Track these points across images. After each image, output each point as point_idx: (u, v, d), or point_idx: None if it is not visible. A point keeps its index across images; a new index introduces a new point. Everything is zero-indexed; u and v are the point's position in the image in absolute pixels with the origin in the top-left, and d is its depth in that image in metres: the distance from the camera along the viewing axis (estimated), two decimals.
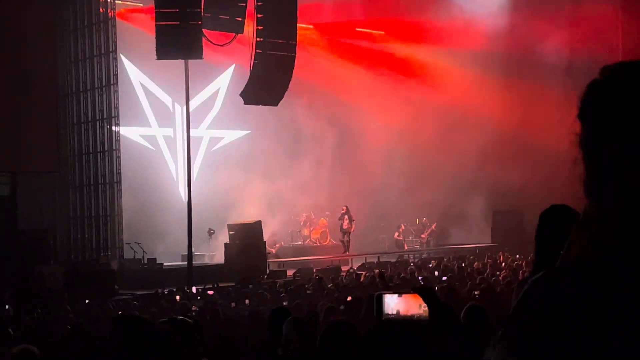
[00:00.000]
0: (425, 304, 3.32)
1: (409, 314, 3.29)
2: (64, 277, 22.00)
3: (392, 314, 3.30)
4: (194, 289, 18.64)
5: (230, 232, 25.15)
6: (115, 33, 24.70)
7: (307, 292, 15.44)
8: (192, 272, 22.23)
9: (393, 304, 3.34)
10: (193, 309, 13.06)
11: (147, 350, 3.69)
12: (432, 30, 32.11)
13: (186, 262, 22.83)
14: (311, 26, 31.66)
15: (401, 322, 3.31)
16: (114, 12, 24.95)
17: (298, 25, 25.15)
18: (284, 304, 10.94)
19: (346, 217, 29.20)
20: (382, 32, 33.78)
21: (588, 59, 26.83)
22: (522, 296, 1.60)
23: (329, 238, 30.39)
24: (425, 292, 3.36)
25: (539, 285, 1.58)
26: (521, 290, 2.08)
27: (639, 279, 1.46)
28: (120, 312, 13.19)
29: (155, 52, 22.33)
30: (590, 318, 1.46)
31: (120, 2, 26.97)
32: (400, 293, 3.43)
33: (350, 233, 29.32)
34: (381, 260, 26.41)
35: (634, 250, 1.48)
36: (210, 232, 27.06)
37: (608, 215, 1.52)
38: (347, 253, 28.85)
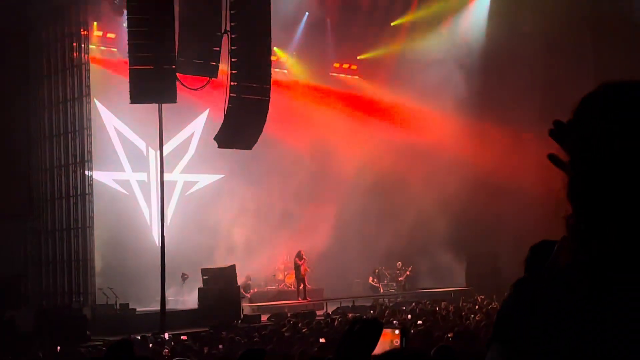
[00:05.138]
0: None
1: None
2: (35, 323, 21.73)
3: None
4: (166, 335, 18.43)
5: (204, 277, 24.99)
6: (89, 77, 24.67)
7: (286, 334, 15.34)
8: (165, 317, 22.01)
9: None
10: (165, 352, 12.92)
11: None
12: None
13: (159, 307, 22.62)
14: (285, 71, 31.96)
15: None
16: (88, 57, 24.94)
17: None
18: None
19: (303, 262, 28.59)
20: (357, 77, 34.07)
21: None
22: (513, 292, 1.66)
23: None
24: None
25: (530, 284, 1.66)
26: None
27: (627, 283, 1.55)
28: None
29: (129, 96, 22.33)
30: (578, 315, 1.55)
31: (94, 47, 27.00)
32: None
33: (305, 279, 28.73)
34: (356, 304, 26.27)
35: (622, 257, 1.56)
36: (184, 277, 26.88)
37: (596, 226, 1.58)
38: (308, 299, 28.29)
